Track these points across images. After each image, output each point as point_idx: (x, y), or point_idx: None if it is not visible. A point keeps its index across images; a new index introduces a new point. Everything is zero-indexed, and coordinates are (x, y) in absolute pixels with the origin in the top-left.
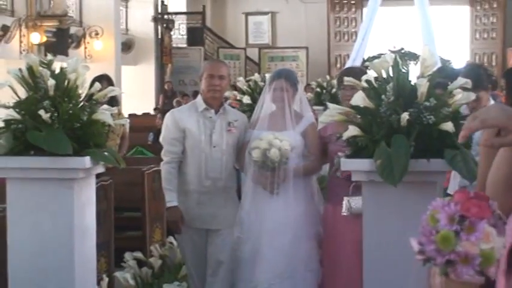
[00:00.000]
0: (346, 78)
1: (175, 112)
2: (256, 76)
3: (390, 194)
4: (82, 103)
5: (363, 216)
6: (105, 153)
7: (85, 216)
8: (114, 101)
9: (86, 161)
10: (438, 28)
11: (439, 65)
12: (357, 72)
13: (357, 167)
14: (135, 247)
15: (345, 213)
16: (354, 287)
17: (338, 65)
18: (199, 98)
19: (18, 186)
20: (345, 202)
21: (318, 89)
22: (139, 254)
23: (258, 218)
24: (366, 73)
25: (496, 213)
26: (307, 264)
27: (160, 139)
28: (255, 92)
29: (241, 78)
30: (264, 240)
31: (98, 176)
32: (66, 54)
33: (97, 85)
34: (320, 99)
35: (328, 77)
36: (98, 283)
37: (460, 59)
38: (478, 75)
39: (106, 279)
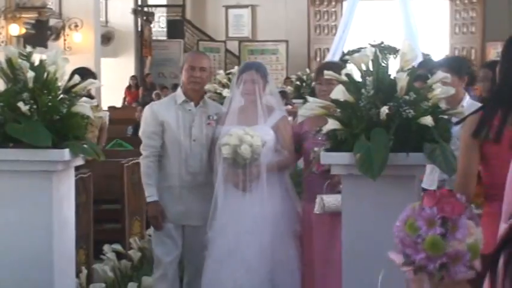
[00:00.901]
0: (326, 72)
1: (153, 105)
2: (235, 69)
3: (369, 188)
4: (61, 95)
5: (342, 209)
6: (85, 145)
7: (64, 209)
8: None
9: (65, 153)
10: (420, 22)
11: (421, 58)
12: (335, 67)
13: (337, 160)
14: (114, 239)
15: (317, 212)
16: (333, 285)
17: (318, 59)
18: (179, 90)
19: None
20: (318, 200)
21: (298, 82)
22: (118, 247)
23: (231, 217)
24: (343, 68)
25: (467, 205)
26: (286, 265)
27: (139, 133)
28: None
29: (221, 72)
30: (239, 240)
31: (77, 168)
32: (46, 46)
33: (76, 77)
34: (300, 92)
35: (308, 70)
36: (77, 275)
37: (439, 54)
38: (458, 61)
39: (85, 272)
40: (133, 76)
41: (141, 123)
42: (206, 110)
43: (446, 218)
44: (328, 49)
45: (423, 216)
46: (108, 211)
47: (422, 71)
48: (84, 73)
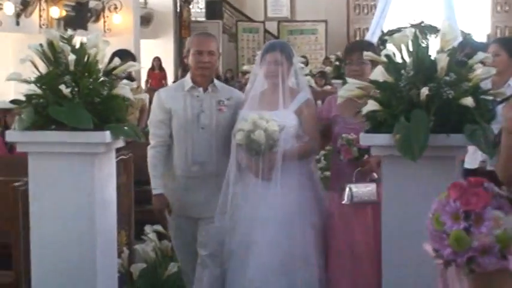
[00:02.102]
0: (365, 53)
1: (161, 92)
2: None
3: (409, 169)
4: (102, 78)
5: (383, 191)
6: (125, 127)
7: (106, 190)
8: (130, 77)
9: (107, 135)
10: (458, 1)
11: (460, 39)
12: (365, 46)
13: (376, 141)
14: (155, 220)
15: (345, 202)
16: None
17: (357, 38)
18: (187, 75)
19: (40, 160)
20: (347, 190)
21: (337, 63)
22: (159, 227)
23: (247, 207)
24: (374, 46)
25: (496, 194)
26: (305, 259)
27: (148, 121)
28: None
29: (259, 53)
30: (255, 232)
31: (118, 150)
32: (86, 29)
33: (116, 60)
34: (339, 72)
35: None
36: (119, 256)
37: (480, 32)
38: (508, 38)
39: (127, 252)
40: (156, 57)
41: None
42: (217, 95)
43: (469, 211)
44: (367, 29)
45: (447, 210)
46: (149, 192)
47: (469, 50)
48: (124, 55)
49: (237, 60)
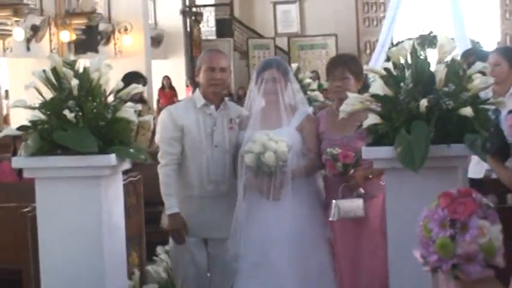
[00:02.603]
0: (366, 68)
1: (171, 109)
2: None
3: (412, 180)
4: (107, 101)
5: (386, 203)
6: (131, 149)
7: (113, 213)
8: (142, 99)
9: (112, 158)
10: (467, 9)
11: (469, 46)
12: (347, 61)
13: (378, 154)
14: (167, 241)
15: (332, 219)
16: None
17: (368, 51)
18: (197, 92)
19: (47, 185)
20: (332, 206)
21: None
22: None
23: (258, 227)
24: (356, 60)
25: (483, 204)
26: (320, 275)
27: (157, 139)
28: None
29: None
30: (267, 253)
31: (127, 171)
32: (96, 51)
33: (120, 83)
34: None
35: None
36: (130, 277)
37: (490, 40)
38: (508, 48)
39: (138, 273)
40: (165, 76)
41: (157, 129)
42: (228, 112)
43: (456, 219)
44: (377, 41)
45: (435, 218)
46: (161, 212)
47: (472, 59)
48: (134, 77)
49: (248, 77)
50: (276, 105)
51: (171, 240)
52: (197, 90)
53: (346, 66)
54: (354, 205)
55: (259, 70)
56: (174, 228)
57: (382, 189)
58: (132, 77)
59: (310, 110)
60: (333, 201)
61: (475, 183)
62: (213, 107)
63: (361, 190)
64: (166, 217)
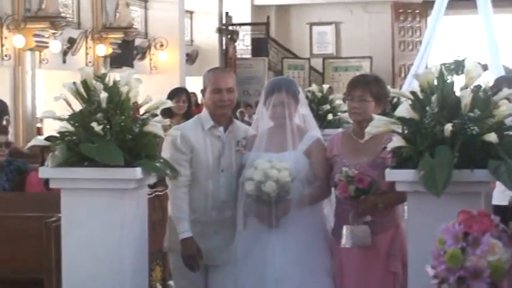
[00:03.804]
0: (392, 90)
1: (184, 130)
2: (314, 87)
3: (434, 205)
4: (134, 116)
5: (408, 227)
6: (157, 164)
7: (137, 226)
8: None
9: (137, 171)
10: (502, 36)
11: (503, 73)
12: (370, 82)
13: (401, 177)
14: None
15: (346, 245)
16: None
17: (402, 75)
18: (204, 113)
19: (72, 196)
20: (344, 231)
21: None
22: None
23: (257, 259)
24: (381, 82)
25: (500, 227)
26: None
27: (168, 158)
28: (312, 103)
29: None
30: (269, 284)
31: (153, 186)
32: (132, 66)
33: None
34: None
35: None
36: None
37: None
38: None
39: None
40: (192, 93)
41: (167, 149)
42: (235, 135)
43: (469, 233)
44: (412, 65)
45: (451, 231)
46: None
47: (505, 86)
48: (177, 92)
49: None
50: (283, 128)
51: (172, 265)
52: (204, 110)
53: (368, 87)
54: (365, 232)
55: (268, 92)
56: (189, 253)
57: (393, 223)
58: (174, 92)
59: (319, 134)
60: (345, 226)
61: (499, 210)
62: (221, 129)
63: (369, 217)
64: (170, 240)
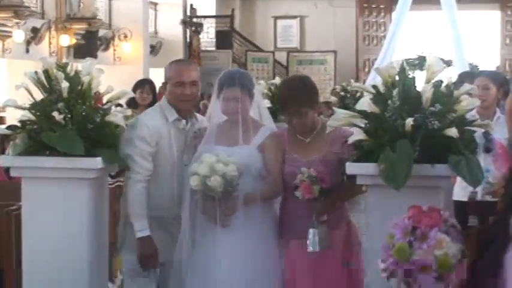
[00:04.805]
0: (354, 84)
1: (147, 120)
2: (277, 79)
3: (394, 199)
4: (95, 105)
5: (367, 221)
6: (118, 154)
7: (98, 215)
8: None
9: (98, 161)
10: (467, 33)
11: (467, 69)
12: (301, 96)
13: (362, 171)
14: None
15: (316, 249)
16: None
17: (366, 69)
18: (166, 104)
19: (33, 185)
20: (311, 236)
21: (342, 93)
22: None
23: (203, 258)
24: (307, 86)
25: (449, 222)
26: None
27: (129, 151)
28: (276, 96)
29: (262, 82)
30: (216, 284)
31: (115, 176)
32: (95, 57)
33: (109, 87)
34: (344, 103)
35: (352, 81)
36: (112, 280)
37: (489, 65)
38: (496, 72)
39: (120, 277)
40: (164, 83)
41: (129, 141)
42: (195, 127)
43: (418, 228)
44: (376, 60)
45: (400, 225)
46: None
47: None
48: (140, 83)
49: None
50: (236, 122)
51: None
52: (164, 100)
53: (301, 101)
54: (323, 233)
55: (221, 84)
56: (147, 253)
57: (345, 218)
58: (139, 83)
59: (273, 126)
60: (311, 229)
61: (460, 205)
62: (184, 122)
63: (325, 217)
64: (125, 239)
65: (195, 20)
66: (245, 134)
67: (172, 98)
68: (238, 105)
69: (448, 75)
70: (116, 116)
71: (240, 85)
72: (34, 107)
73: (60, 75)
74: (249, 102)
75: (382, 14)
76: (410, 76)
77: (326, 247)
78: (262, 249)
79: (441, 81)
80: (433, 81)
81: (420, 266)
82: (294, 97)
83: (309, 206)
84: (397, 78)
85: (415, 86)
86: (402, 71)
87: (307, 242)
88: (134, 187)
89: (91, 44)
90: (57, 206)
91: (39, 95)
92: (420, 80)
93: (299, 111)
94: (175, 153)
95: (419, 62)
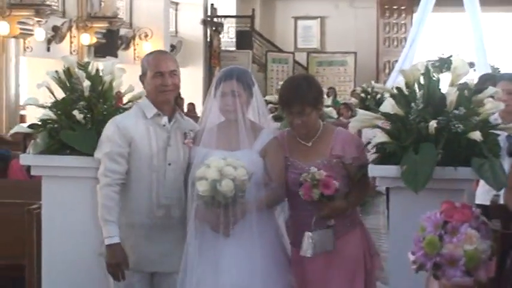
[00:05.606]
0: (376, 85)
1: (118, 119)
2: None
3: (416, 201)
4: (116, 105)
5: (390, 223)
6: None
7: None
8: None
9: None
10: (490, 35)
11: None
12: (304, 95)
13: (383, 173)
14: None
15: (307, 254)
16: None
17: (386, 71)
18: (145, 100)
19: (53, 183)
20: (306, 239)
21: (363, 95)
22: None
23: (209, 268)
24: (311, 85)
25: (480, 219)
26: None
27: (99, 154)
28: None
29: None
30: None
31: None
32: (116, 56)
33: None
34: (365, 104)
35: (373, 83)
36: None
37: (510, 67)
38: None
39: None
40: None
41: (100, 143)
42: (180, 125)
43: (449, 222)
44: (397, 61)
45: (432, 219)
46: None
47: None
48: None
49: (265, 90)
50: (235, 124)
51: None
52: (144, 98)
53: (305, 101)
54: (328, 237)
55: (217, 81)
56: (115, 262)
57: (356, 222)
58: None
59: (275, 126)
60: (306, 233)
61: (482, 209)
62: (166, 118)
63: (333, 221)
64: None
65: (215, 19)
66: (245, 137)
67: (151, 89)
68: (236, 100)
69: (470, 78)
70: None
71: (237, 79)
72: (55, 105)
73: (82, 74)
74: (247, 101)
75: (403, 15)
76: (434, 78)
77: (325, 250)
78: (270, 255)
79: (466, 84)
80: (457, 83)
81: (449, 260)
82: (298, 96)
83: (315, 210)
84: (421, 80)
85: (440, 89)
86: (427, 73)
87: (303, 246)
88: (102, 192)
89: (112, 43)
90: (77, 204)
91: (60, 94)
92: (443, 82)
93: (303, 111)
94: (155, 151)
95: (440, 64)
